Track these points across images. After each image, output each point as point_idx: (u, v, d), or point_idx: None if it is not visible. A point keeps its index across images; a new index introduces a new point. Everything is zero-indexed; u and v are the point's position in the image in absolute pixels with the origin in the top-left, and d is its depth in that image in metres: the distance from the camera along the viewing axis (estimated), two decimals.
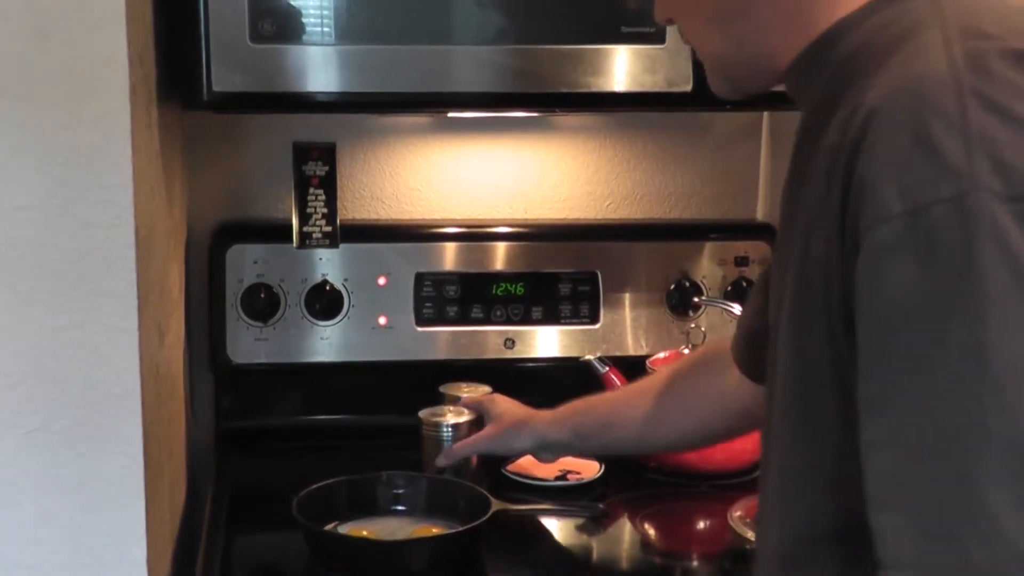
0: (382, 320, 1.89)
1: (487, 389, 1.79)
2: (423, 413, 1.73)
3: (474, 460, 1.70)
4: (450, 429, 1.70)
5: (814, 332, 0.93)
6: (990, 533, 0.79)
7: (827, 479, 0.95)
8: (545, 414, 1.63)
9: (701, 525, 1.75)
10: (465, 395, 1.77)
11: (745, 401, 1.38)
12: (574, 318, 1.94)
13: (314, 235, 1.84)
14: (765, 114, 2.06)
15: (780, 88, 1.09)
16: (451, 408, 1.75)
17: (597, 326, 1.94)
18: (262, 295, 1.85)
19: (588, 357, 1.84)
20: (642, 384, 1.60)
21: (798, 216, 0.96)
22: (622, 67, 1.55)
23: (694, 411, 1.50)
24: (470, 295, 1.91)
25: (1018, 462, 0.80)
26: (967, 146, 0.82)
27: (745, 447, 1.66)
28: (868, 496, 0.85)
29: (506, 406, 1.70)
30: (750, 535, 1.54)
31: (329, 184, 1.84)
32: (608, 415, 1.58)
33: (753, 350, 1.29)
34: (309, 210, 1.83)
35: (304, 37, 1.48)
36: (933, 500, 0.81)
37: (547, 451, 1.65)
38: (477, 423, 1.71)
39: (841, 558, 0.95)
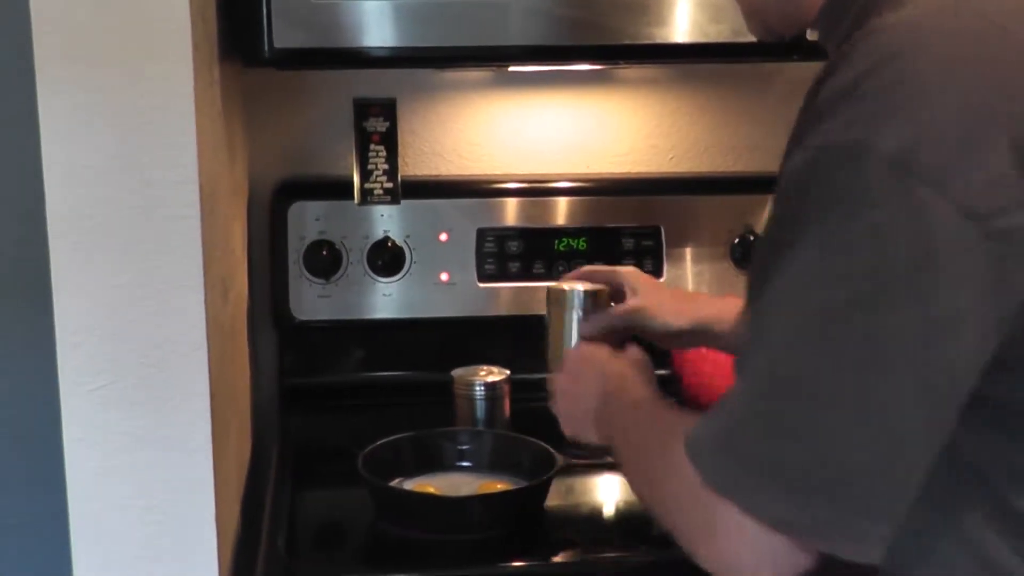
0: (444, 276, 1.88)
1: (506, 373, 1.72)
2: (456, 372, 1.72)
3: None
4: (482, 388, 1.68)
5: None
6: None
7: None
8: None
9: None
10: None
11: None
12: None
13: (375, 191, 1.84)
14: None
15: None
16: (484, 367, 1.73)
17: (660, 280, 1.92)
18: (324, 252, 1.85)
19: None
20: None
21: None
22: (686, 17, 1.52)
23: None
24: (532, 250, 1.90)
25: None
26: (885, 99, 0.85)
27: None
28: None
29: (646, 278, 1.49)
30: None
31: (390, 140, 1.84)
32: None
33: None
34: (370, 166, 1.83)
35: None
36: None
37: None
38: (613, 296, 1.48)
39: None
